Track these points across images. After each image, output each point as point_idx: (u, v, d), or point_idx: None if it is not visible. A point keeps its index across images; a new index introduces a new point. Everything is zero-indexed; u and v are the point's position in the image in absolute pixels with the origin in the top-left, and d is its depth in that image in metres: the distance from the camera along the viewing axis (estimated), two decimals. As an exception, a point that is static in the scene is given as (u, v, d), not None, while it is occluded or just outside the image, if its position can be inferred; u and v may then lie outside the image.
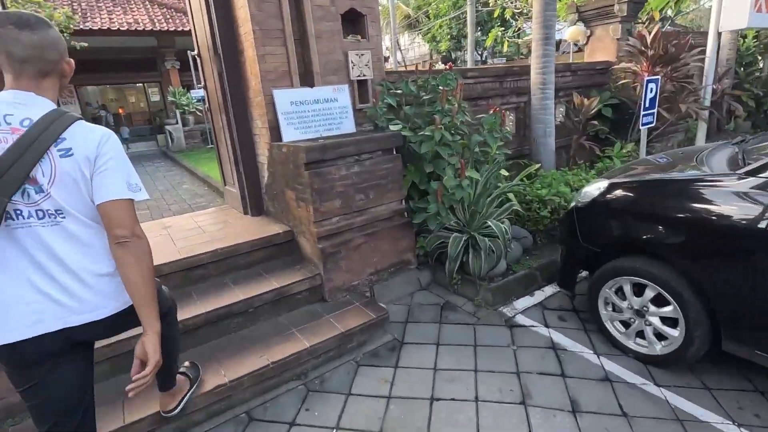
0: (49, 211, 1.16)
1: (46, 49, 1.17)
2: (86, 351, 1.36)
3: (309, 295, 2.81)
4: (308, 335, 2.45)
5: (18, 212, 1.13)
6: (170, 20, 11.53)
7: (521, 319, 2.77)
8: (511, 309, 2.89)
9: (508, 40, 14.41)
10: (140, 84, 15.80)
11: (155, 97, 15.66)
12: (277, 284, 2.69)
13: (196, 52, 3.73)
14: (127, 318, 1.34)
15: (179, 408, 1.91)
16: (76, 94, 13.38)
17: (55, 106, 1.19)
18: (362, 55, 3.36)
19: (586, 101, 4.94)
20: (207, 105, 3.93)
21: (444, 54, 18.31)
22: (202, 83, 3.78)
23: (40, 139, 1.11)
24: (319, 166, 2.68)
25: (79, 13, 10.63)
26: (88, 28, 10.12)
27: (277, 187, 3.18)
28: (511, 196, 3.42)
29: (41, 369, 1.23)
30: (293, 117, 3.03)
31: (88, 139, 1.18)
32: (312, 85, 3.11)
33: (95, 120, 15.71)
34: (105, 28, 10.29)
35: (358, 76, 3.37)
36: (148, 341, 1.26)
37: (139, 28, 10.73)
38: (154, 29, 10.89)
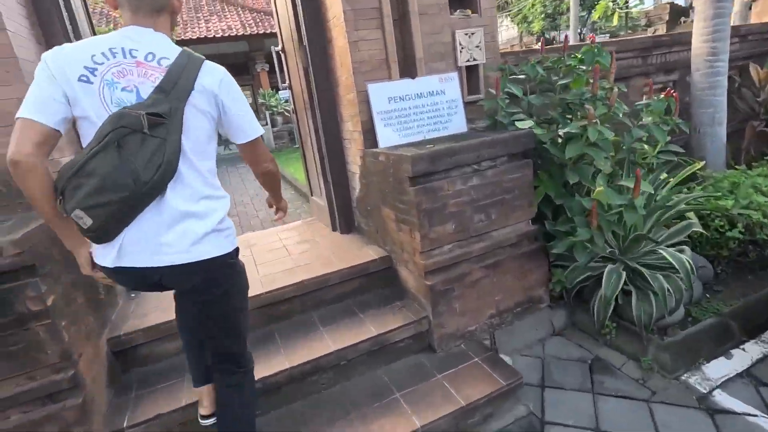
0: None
1: None
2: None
3: (413, 342, 2.22)
4: (416, 406, 1.85)
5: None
6: (259, 23, 11.76)
7: (724, 399, 1.89)
8: (703, 379, 2.01)
9: (619, 12, 12.47)
10: (234, 88, 16.58)
11: (248, 100, 16.41)
12: (375, 330, 2.13)
13: (279, 47, 3.32)
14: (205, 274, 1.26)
15: None
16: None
17: (173, 43, 1.21)
18: (472, 34, 2.66)
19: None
20: (292, 106, 3.52)
21: (538, 34, 16.63)
22: (287, 82, 3.37)
23: (185, 75, 1.14)
24: (428, 179, 2.06)
25: (180, 25, 11.27)
26: (188, 38, 10.65)
27: (371, 201, 2.62)
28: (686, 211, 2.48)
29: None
30: (391, 117, 2.44)
31: (215, 77, 1.20)
32: (414, 76, 2.49)
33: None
34: (203, 36, 10.75)
35: (468, 61, 2.68)
36: (280, 200, 1.65)
37: (232, 34, 11.07)
38: (245, 33, 11.16)
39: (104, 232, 1.10)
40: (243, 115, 1.25)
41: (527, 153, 2.30)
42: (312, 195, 3.63)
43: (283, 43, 3.24)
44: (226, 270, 1.30)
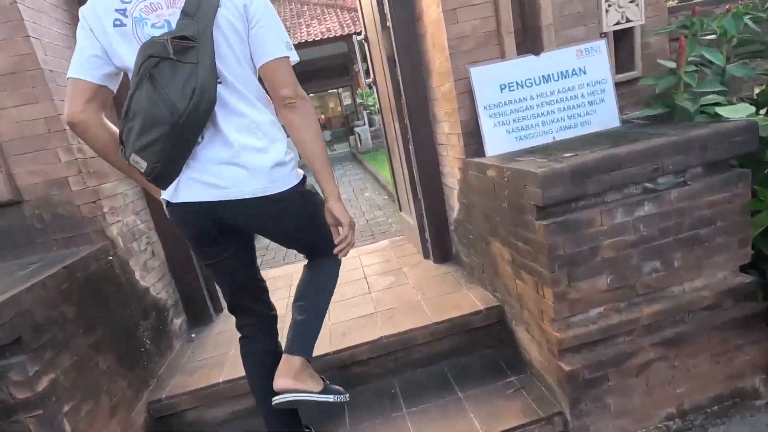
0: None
1: None
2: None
3: (539, 448, 1.49)
4: None
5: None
6: (357, 22, 11.59)
7: None
8: None
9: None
10: (334, 90, 16.90)
11: (347, 101, 16.56)
12: (481, 427, 1.45)
13: (362, 36, 2.79)
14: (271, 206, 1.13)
15: (290, 396, 1.24)
16: (285, 106, 15.06)
17: None
18: (626, -17, 1.81)
19: None
20: (378, 105, 2.99)
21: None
22: (372, 77, 2.84)
23: None
24: (567, 209, 1.31)
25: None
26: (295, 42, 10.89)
27: (474, 228, 1.94)
28: None
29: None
30: (504, 112, 1.73)
31: None
32: (538, 51, 1.73)
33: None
34: (303, 41, 10.92)
35: (618, 23, 1.83)
36: (333, 207, 1.16)
37: (331, 35, 11.05)
38: (344, 33, 11.06)
39: (161, 175, 1.05)
40: (269, 27, 1.06)
41: (741, 159, 1.40)
42: (400, 210, 3.05)
43: (365, 30, 2.71)
44: (292, 201, 1.16)
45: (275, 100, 1.12)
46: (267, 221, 1.17)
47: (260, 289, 1.34)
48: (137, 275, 1.82)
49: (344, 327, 1.90)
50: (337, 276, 1.34)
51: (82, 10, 1.01)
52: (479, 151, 1.76)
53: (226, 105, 1.04)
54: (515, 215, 1.45)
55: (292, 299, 1.35)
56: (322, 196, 1.17)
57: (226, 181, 1.07)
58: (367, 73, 3.06)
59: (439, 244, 2.38)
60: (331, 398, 1.26)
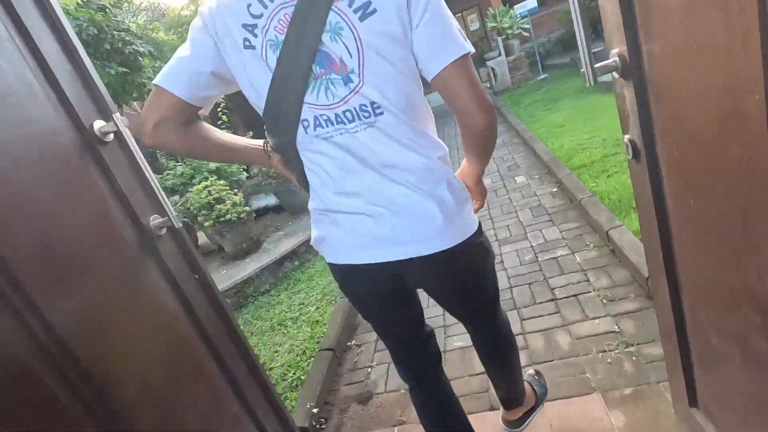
0: (364, 107, 0.80)
1: None
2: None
3: None
4: None
5: (321, 119, 0.82)
6: None
7: None
8: None
9: None
10: (458, 14, 14.14)
11: (474, 25, 13.74)
12: None
13: None
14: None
15: (523, 426, 1.48)
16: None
17: None
18: None
19: None
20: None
21: None
22: None
23: None
24: None
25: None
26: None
27: None
28: None
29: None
30: None
31: None
32: None
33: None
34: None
35: None
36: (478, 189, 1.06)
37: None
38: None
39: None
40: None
41: None
42: (653, 290, 1.28)
43: None
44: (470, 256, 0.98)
45: (466, 110, 0.83)
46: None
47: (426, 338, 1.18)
48: None
49: None
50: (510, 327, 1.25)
51: (206, 11, 0.81)
52: None
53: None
54: None
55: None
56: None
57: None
58: None
59: None
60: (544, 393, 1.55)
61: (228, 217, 4.31)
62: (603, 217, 2.68)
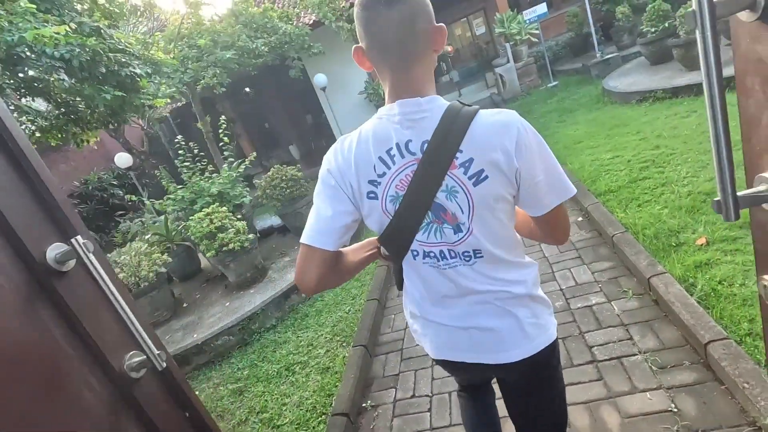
0: (466, 253, 0.93)
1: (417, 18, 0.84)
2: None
3: None
4: None
5: (429, 253, 0.95)
6: None
7: None
8: None
9: None
10: (464, 18, 13.89)
11: (480, 29, 13.48)
12: None
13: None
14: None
15: None
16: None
17: (446, 103, 0.88)
18: None
19: None
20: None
21: None
22: None
23: (435, 161, 0.85)
24: None
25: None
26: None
27: None
28: None
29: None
30: None
31: (495, 141, 0.83)
32: None
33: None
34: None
35: None
36: None
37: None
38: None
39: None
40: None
41: None
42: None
43: None
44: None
45: (551, 236, 1.01)
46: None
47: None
48: None
49: None
50: None
51: (333, 168, 0.92)
52: None
53: None
54: None
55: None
56: None
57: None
58: None
59: None
60: None
61: (231, 246, 4.10)
62: (642, 260, 2.43)
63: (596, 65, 7.64)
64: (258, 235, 5.64)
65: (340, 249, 0.98)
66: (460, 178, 0.85)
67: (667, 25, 5.97)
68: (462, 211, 0.87)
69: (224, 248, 4.13)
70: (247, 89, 14.28)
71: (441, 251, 0.92)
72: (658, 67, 6.23)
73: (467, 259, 0.92)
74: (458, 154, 0.84)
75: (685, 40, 5.14)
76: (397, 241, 0.94)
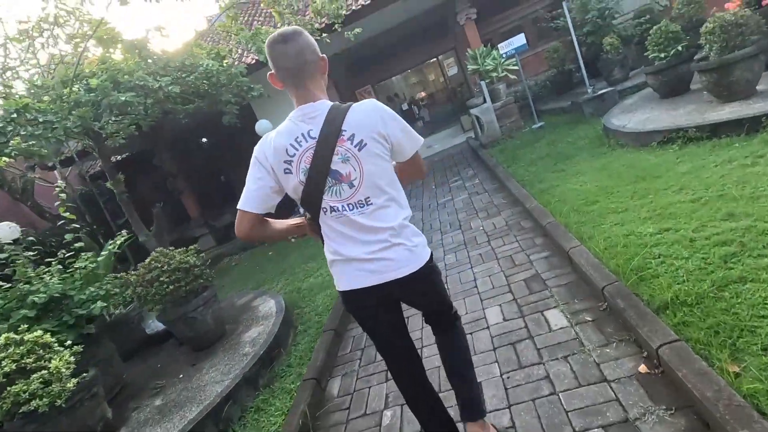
0: (360, 202, 1.36)
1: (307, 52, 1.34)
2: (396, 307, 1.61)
3: None
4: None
5: (334, 208, 1.37)
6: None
7: None
8: None
9: None
10: (434, 60, 12.98)
11: (452, 70, 12.53)
12: None
13: None
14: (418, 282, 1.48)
15: None
16: (374, 94, 11.78)
17: (330, 103, 1.36)
18: None
19: None
20: None
21: None
22: None
23: (327, 139, 1.31)
24: None
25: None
26: (360, 6, 7.47)
27: None
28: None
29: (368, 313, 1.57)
30: None
31: (366, 119, 1.33)
32: None
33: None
34: (378, -5, 7.37)
35: None
36: None
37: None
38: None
39: None
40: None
41: None
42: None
43: None
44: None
45: (413, 173, 1.57)
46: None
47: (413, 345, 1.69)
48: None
49: None
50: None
51: (256, 151, 1.38)
52: None
53: None
54: None
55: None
56: None
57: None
58: None
59: None
60: None
61: (35, 404, 2.35)
62: None
63: (589, 102, 6.41)
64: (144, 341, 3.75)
65: (274, 219, 1.48)
66: (349, 147, 1.31)
67: (680, 48, 4.75)
68: (354, 170, 1.32)
69: (21, 409, 2.37)
70: (204, 139, 12.84)
71: (342, 205, 1.35)
72: (674, 99, 4.95)
73: (361, 206, 1.35)
74: (344, 133, 1.30)
75: (718, 63, 3.84)
76: (311, 201, 1.36)
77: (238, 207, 1.35)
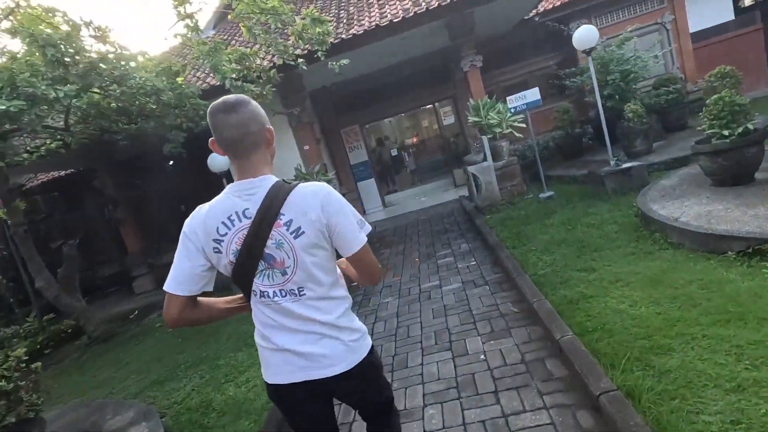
0: (292, 290, 1.26)
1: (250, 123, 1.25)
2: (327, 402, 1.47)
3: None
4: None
5: (264, 293, 1.27)
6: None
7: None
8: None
9: None
10: (430, 106, 12.07)
11: (449, 119, 11.59)
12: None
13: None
14: (356, 378, 1.37)
15: None
16: (361, 135, 10.66)
17: (274, 180, 1.27)
18: None
19: None
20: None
21: None
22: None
23: (263, 222, 1.21)
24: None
25: (345, 21, 7.19)
26: (351, 36, 6.42)
27: None
28: None
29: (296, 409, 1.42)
30: None
31: (307, 205, 1.22)
32: None
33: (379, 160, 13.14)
34: (372, 27, 6.34)
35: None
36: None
37: (420, 11, 6.29)
38: (442, 3, 6.22)
39: None
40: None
41: None
42: None
43: None
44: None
45: (362, 277, 1.40)
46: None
47: None
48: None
49: None
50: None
51: (188, 230, 1.25)
52: None
53: None
54: None
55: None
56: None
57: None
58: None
59: None
60: None
61: None
62: None
63: (612, 176, 5.30)
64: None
65: (207, 298, 1.34)
66: (284, 234, 1.20)
67: (750, 126, 3.67)
68: (288, 257, 1.22)
69: None
70: (171, 162, 11.43)
71: (274, 291, 1.25)
72: (736, 190, 3.82)
73: (294, 296, 1.25)
74: (282, 216, 1.20)
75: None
76: (241, 283, 1.26)
77: (164, 288, 1.25)
